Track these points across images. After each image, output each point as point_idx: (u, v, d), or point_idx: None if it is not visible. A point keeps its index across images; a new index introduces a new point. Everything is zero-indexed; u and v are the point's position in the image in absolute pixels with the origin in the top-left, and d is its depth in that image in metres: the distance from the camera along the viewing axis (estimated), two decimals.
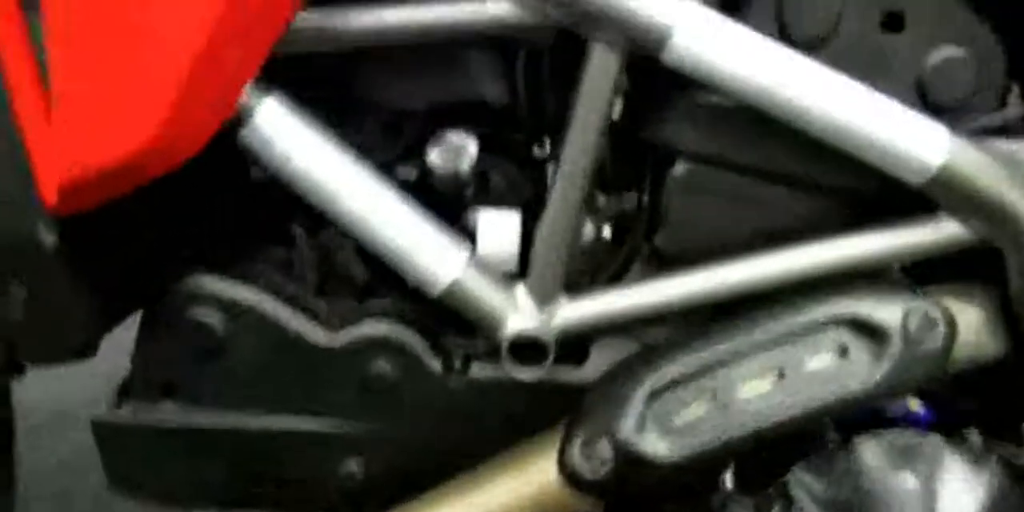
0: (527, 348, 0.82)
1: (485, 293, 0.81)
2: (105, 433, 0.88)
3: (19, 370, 0.88)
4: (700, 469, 0.76)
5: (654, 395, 0.76)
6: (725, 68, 0.75)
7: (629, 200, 0.91)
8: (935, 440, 0.79)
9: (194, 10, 0.62)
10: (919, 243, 0.83)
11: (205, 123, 0.69)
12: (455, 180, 0.83)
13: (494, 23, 0.75)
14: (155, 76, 0.64)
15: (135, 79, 0.64)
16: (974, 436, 0.81)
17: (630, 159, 0.88)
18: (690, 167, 0.84)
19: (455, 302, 0.81)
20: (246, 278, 0.87)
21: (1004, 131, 0.85)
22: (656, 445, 0.74)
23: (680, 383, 0.76)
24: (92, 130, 0.65)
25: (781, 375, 0.76)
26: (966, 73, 0.84)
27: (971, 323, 0.84)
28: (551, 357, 0.81)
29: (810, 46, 0.81)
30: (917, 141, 0.79)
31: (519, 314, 0.81)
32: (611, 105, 0.78)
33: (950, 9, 0.83)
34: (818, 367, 0.76)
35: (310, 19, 0.74)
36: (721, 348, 0.77)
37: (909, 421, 0.84)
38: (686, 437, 0.74)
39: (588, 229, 0.88)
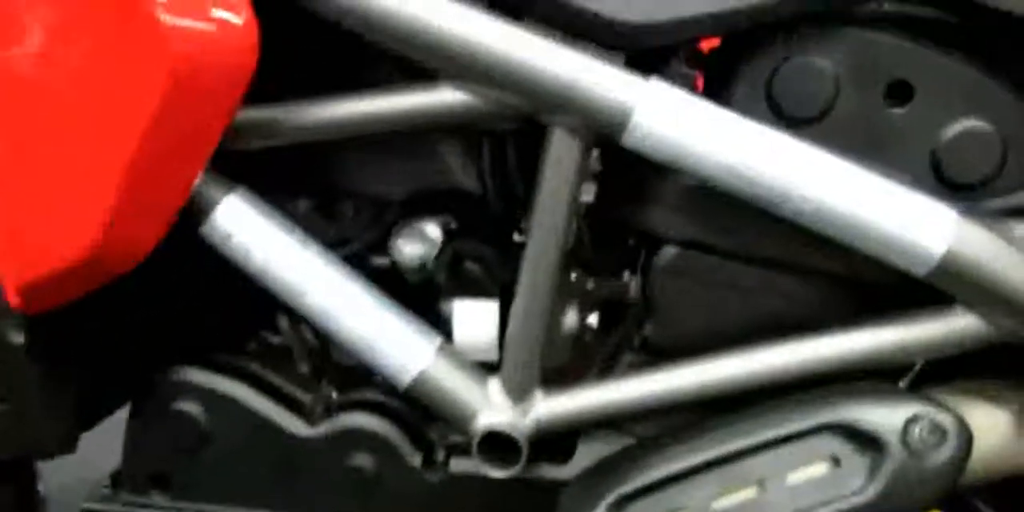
0: (500, 445, 0.78)
1: (455, 386, 0.78)
2: None
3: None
4: None
5: (620, 504, 0.70)
6: (692, 151, 0.70)
7: (620, 286, 0.86)
8: None
9: (124, 121, 0.62)
10: (932, 338, 0.74)
11: (149, 225, 0.69)
12: (423, 269, 0.80)
13: (448, 111, 0.72)
14: (90, 185, 0.64)
15: (71, 189, 0.64)
16: None
17: (618, 241, 0.84)
18: (676, 253, 0.79)
19: (424, 395, 0.78)
20: (230, 369, 0.86)
21: None
22: None
23: (649, 492, 0.70)
24: (37, 237, 0.66)
25: (762, 487, 0.69)
26: (988, 147, 0.75)
27: (1001, 428, 0.74)
28: (524, 456, 0.77)
29: (803, 123, 0.75)
30: (918, 226, 0.71)
31: (491, 409, 0.78)
32: (576, 190, 0.74)
33: (967, 77, 0.75)
34: (804, 480, 0.69)
35: (259, 115, 0.73)
36: (696, 455, 0.70)
37: None
38: None
39: (571, 316, 0.84)
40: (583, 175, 0.74)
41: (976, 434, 0.72)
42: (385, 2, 0.69)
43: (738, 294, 0.79)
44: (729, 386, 0.76)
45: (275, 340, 0.89)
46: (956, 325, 0.74)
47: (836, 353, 0.75)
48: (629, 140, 0.71)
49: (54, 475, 1.03)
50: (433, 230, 0.79)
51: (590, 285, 0.86)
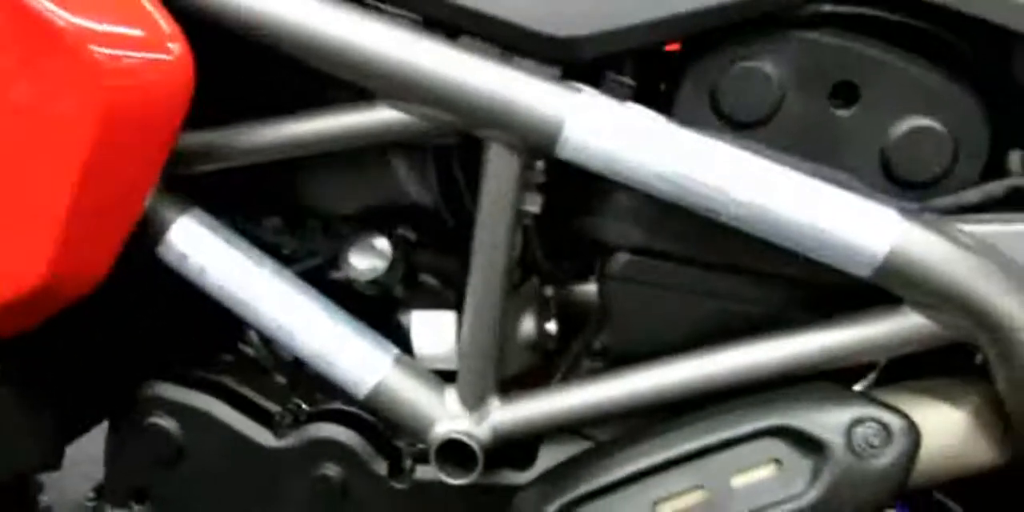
0: (458, 452, 0.79)
1: (412, 396, 0.79)
2: None
3: None
4: None
5: (566, 510, 0.71)
6: (624, 161, 0.71)
7: (580, 294, 0.87)
8: None
9: (63, 155, 0.64)
10: (881, 338, 0.73)
11: (99, 252, 0.71)
12: (377, 282, 0.82)
13: (386, 129, 0.74)
14: (36, 218, 0.66)
15: (18, 222, 0.66)
16: None
17: (577, 249, 0.85)
18: (627, 259, 0.80)
19: (381, 405, 0.80)
20: (203, 383, 0.89)
21: (1002, 205, 0.76)
22: None
23: (593, 497, 0.71)
24: None
25: (704, 491, 0.69)
26: (937, 145, 0.75)
27: (951, 428, 0.74)
28: (480, 463, 0.78)
29: (750, 127, 0.75)
30: (858, 228, 0.70)
31: (447, 418, 0.79)
32: (517, 202, 0.74)
33: (912, 76, 0.74)
34: (748, 483, 0.69)
35: (203, 139, 0.75)
36: (641, 459, 0.71)
37: None
38: None
39: (527, 324, 0.85)
40: (524, 187, 0.75)
41: (926, 435, 0.72)
42: (313, 25, 0.71)
43: (691, 299, 0.79)
44: (683, 389, 0.76)
45: (249, 352, 0.92)
46: (904, 325, 0.73)
47: (786, 355, 0.75)
48: (563, 152, 0.71)
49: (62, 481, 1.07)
50: (383, 244, 0.81)
51: (548, 293, 0.87)
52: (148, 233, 0.77)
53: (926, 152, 0.75)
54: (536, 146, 0.72)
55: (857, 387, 0.82)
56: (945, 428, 0.74)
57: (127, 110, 0.64)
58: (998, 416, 0.74)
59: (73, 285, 0.71)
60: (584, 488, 0.71)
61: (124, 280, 0.77)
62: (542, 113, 0.70)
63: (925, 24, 0.74)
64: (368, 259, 0.81)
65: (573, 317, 0.88)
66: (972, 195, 0.75)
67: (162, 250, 0.77)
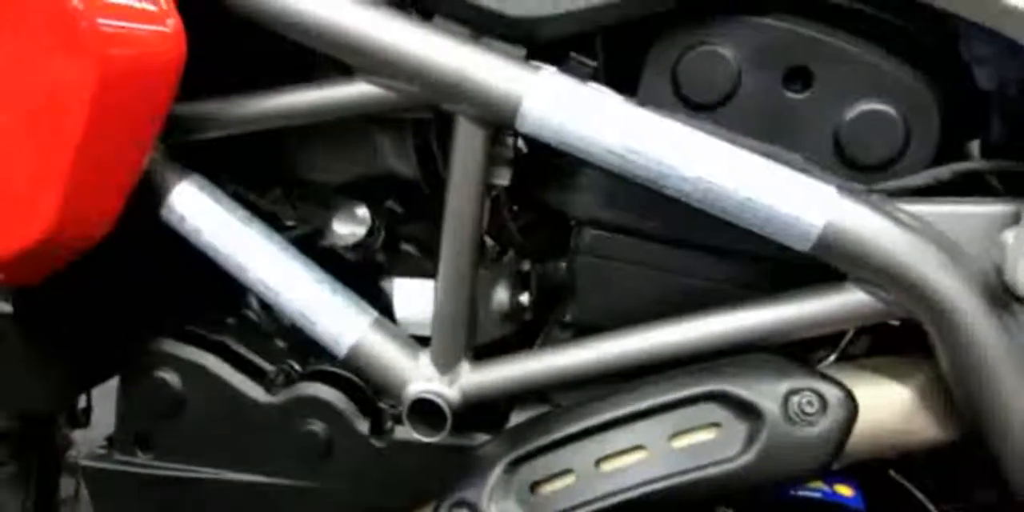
0: (429, 412, 0.84)
1: (387, 356, 0.84)
2: (93, 477, 0.98)
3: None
4: None
5: (515, 464, 0.75)
6: (577, 135, 0.75)
7: (554, 268, 0.91)
8: None
9: (65, 117, 0.71)
10: (825, 313, 0.76)
11: (101, 206, 0.78)
12: (358, 248, 0.87)
13: (362, 102, 0.79)
14: (42, 173, 0.73)
15: (26, 176, 0.74)
16: None
17: (556, 225, 0.89)
18: (594, 234, 0.84)
19: (359, 364, 0.85)
20: (205, 342, 0.95)
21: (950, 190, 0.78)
22: None
23: (542, 453, 0.75)
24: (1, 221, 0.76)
25: (645, 450, 0.73)
26: (889, 129, 0.77)
27: (893, 404, 0.76)
28: (449, 422, 0.83)
29: (707, 108, 0.79)
30: (796, 202, 0.73)
31: (419, 379, 0.84)
32: (485, 174, 0.79)
33: (865, 61, 0.77)
34: (686, 445, 0.72)
35: (193, 110, 0.82)
36: (586, 419, 0.75)
37: (830, 505, 0.77)
38: (542, 508, 0.73)
39: (501, 295, 0.90)
40: (492, 161, 0.79)
41: (868, 408, 0.74)
42: (297, 4, 0.77)
43: (652, 274, 0.83)
44: (640, 358, 0.80)
45: (251, 317, 0.99)
46: (849, 301, 0.76)
47: (735, 328, 0.78)
48: (522, 126, 0.76)
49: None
50: (363, 212, 0.86)
51: (524, 267, 0.92)
52: (152, 196, 0.84)
53: (877, 136, 0.77)
54: (498, 120, 0.76)
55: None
56: (888, 403, 0.76)
57: (127, 76, 0.71)
58: (944, 393, 0.76)
59: (77, 238, 0.78)
60: (534, 444, 0.75)
61: (133, 243, 0.84)
62: (503, 89, 0.75)
63: (878, 10, 0.77)
64: (349, 226, 0.87)
65: (552, 292, 0.92)
66: (919, 178, 0.77)
67: (164, 212, 0.84)
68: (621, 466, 0.73)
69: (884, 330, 0.88)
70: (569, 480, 0.73)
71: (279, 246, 0.85)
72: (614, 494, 0.72)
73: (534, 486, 0.74)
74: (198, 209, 0.84)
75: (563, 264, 0.90)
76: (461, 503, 0.75)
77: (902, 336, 0.82)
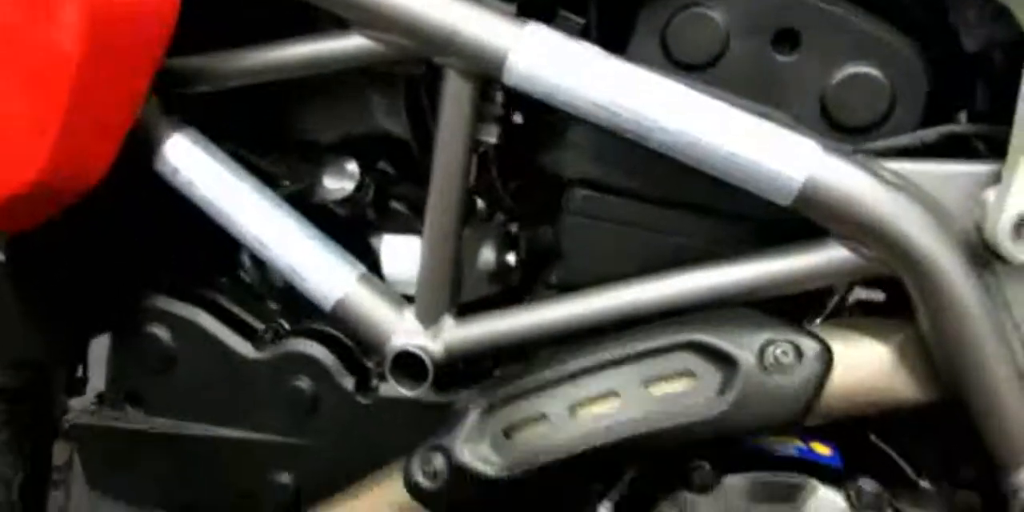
0: (411, 365, 0.84)
1: (373, 311, 0.85)
2: (81, 435, 1.00)
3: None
4: (538, 486, 0.74)
5: (491, 410, 0.76)
6: (563, 88, 0.76)
7: (544, 230, 0.92)
8: (810, 484, 0.73)
9: (58, 63, 0.73)
10: (807, 270, 0.76)
11: (94, 153, 0.80)
12: (348, 203, 0.88)
13: (355, 56, 0.81)
14: (33, 119, 0.75)
15: (19, 121, 0.75)
16: (868, 484, 0.73)
17: (548, 187, 0.90)
18: (583, 195, 0.84)
19: (345, 318, 0.86)
20: (197, 299, 0.97)
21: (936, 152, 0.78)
22: (486, 459, 0.74)
23: (517, 399, 0.75)
24: None
25: (619, 397, 0.73)
26: (876, 91, 0.78)
27: (871, 363, 0.76)
28: (431, 374, 0.83)
29: (696, 69, 0.80)
30: (777, 156, 0.74)
31: (404, 332, 0.85)
32: (473, 129, 0.80)
33: (853, 24, 0.78)
34: (661, 393, 0.72)
35: (188, 63, 0.83)
36: (563, 366, 0.75)
37: (805, 462, 0.77)
38: (517, 453, 0.73)
39: (487, 254, 0.91)
40: (480, 116, 0.80)
41: (846, 366, 0.74)
42: None
43: (643, 235, 0.84)
44: (622, 313, 0.80)
45: (244, 277, 1.00)
46: (829, 257, 0.76)
47: (717, 284, 0.78)
48: (509, 79, 0.77)
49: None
50: (353, 167, 0.88)
51: (513, 229, 0.93)
52: (146, 148, 0.85)
53: (863, 98, 0.78)
54: (486, 73, 0.78)
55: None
56: (867, 360, 0.76)
57: (120, 19, 0.73)
58: (925, 354, 0.76)
59: (70, 184, 0.80)
60: (509, 391, 0.76)
61: (128, 196, 0.86)
62: (491, 42, 0.76)
63: None
64: (339, 181, 0.88)
65: (541, 256, 0.93)
66: (904, 139, 0.77)
67: (157, 163, 0.86)
68: (596, 412, 0.73)
69: (872, 306, 0.89)
70: (543, 425, 0.74)
71: (272, 201, 0.87)
72: (588, 439, 0.72)
73: (508, 431, 0.74)
74: (191, 162, 0.86)
75: (551, 228, 0.91)
76: (435, 448, 0.76)
77: (889, 309, 0.83)
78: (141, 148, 0.85)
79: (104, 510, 1.03)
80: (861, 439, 0.82)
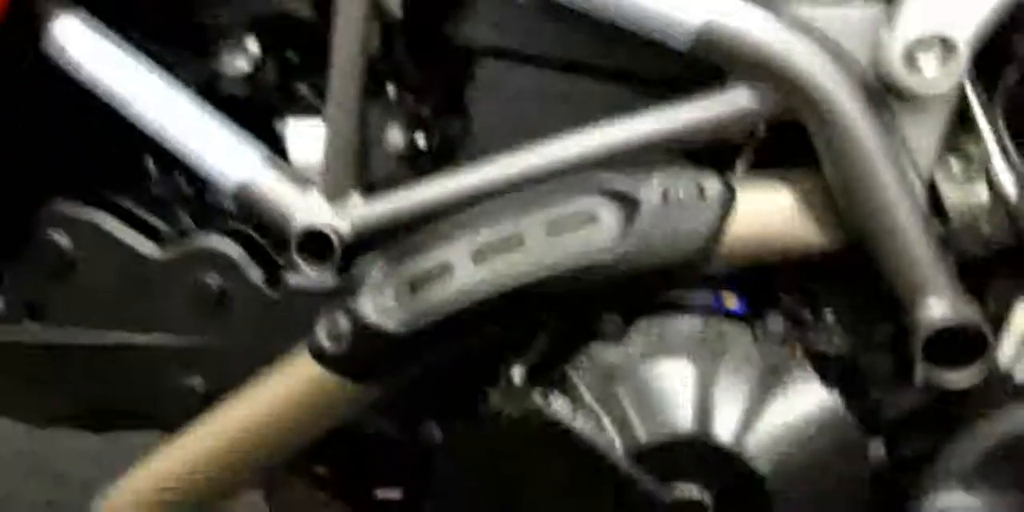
0: (318, 245, 0.82)
1: (276, 191, 0.83)
2: None
3: None
4: (446, 341, 0.73)
5: (393, 265, 0.74)
6: None
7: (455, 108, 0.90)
8: (719, 324, 0.72)
9: None
10: (711, 117, 0.76)
11: None
12: (246, 81, 0.86)
13: None
14: None
15: None
16: (775, 323, 0.73)
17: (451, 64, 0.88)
18: (489, 65, 0.84)
19: (248, 201, 0.84)
20: (99, 202, 0.93)
21: None
22: (389, 316, 0.72)
23: (417, 253, 0.73)
24: None
25: (522, 242, 0.72)
26: None
27: (786, 208, 0.76)
28: (338, 252, 0.81)
29: None
30: (677, 2, 0.74)
31: (308, 210, 0.82)
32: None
33: None
34: (564, 236, 0.71)
35: None
36: (465, 217, 0.74)
37: (715, 312, 0.76)
38: (420, 307, 0.71)
39: (394, 133, 0.89)
40: None
41: (750, 210, 0.74)
42: None
43: (549, 102, 0.83)
44: (534, 173, 0.78)
45: (148, 184, 0.97)
46: (732, 103, 0.76)
47: (624, 138, 0.78)
48: None
49: None
50: (252, 45, 0.86)
51: (424, 113, 0.91)
52: (33, 27, 0.83)
53: None
54: None
55: None
56: (774, 206, 0.75)
57: None
58: (831, 201, 0.76)
59: None
60: (414, 244, 0.74)
61: (17, 91, 0.83)
62: None
63: None
64: (238, 58, 0.86)
65: (453, 143, 0.91)
66: None
67: (44, 43, 0.83)
68: (500, 258, 0.72)
69: None
70: (447, 275, 0.72)
71: (166, 81, 0.84)
72: (492, 285, 0.70)
73: (413, 284, 0.72)
74: (80, 41, 0.83)
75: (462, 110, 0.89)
76: (339, 309, 0.73)
77: None
78: (24, 26, 0.82)
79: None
80: (771, 294, 0.81)
